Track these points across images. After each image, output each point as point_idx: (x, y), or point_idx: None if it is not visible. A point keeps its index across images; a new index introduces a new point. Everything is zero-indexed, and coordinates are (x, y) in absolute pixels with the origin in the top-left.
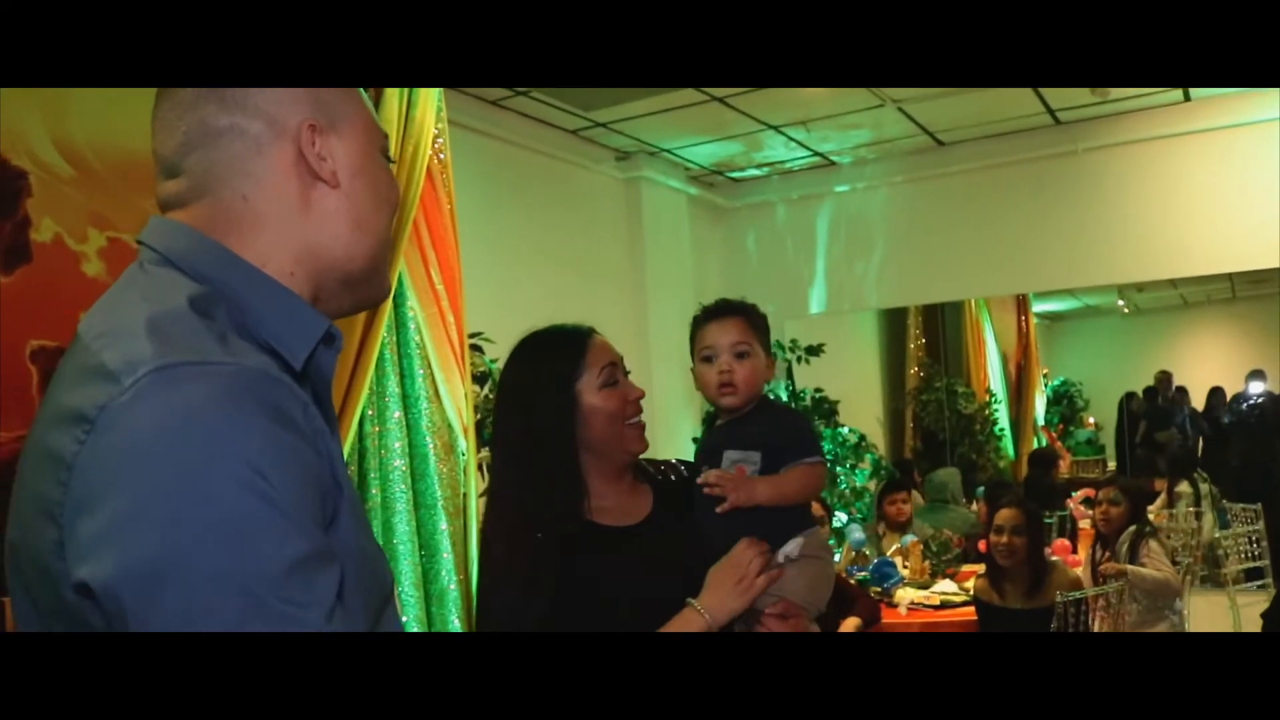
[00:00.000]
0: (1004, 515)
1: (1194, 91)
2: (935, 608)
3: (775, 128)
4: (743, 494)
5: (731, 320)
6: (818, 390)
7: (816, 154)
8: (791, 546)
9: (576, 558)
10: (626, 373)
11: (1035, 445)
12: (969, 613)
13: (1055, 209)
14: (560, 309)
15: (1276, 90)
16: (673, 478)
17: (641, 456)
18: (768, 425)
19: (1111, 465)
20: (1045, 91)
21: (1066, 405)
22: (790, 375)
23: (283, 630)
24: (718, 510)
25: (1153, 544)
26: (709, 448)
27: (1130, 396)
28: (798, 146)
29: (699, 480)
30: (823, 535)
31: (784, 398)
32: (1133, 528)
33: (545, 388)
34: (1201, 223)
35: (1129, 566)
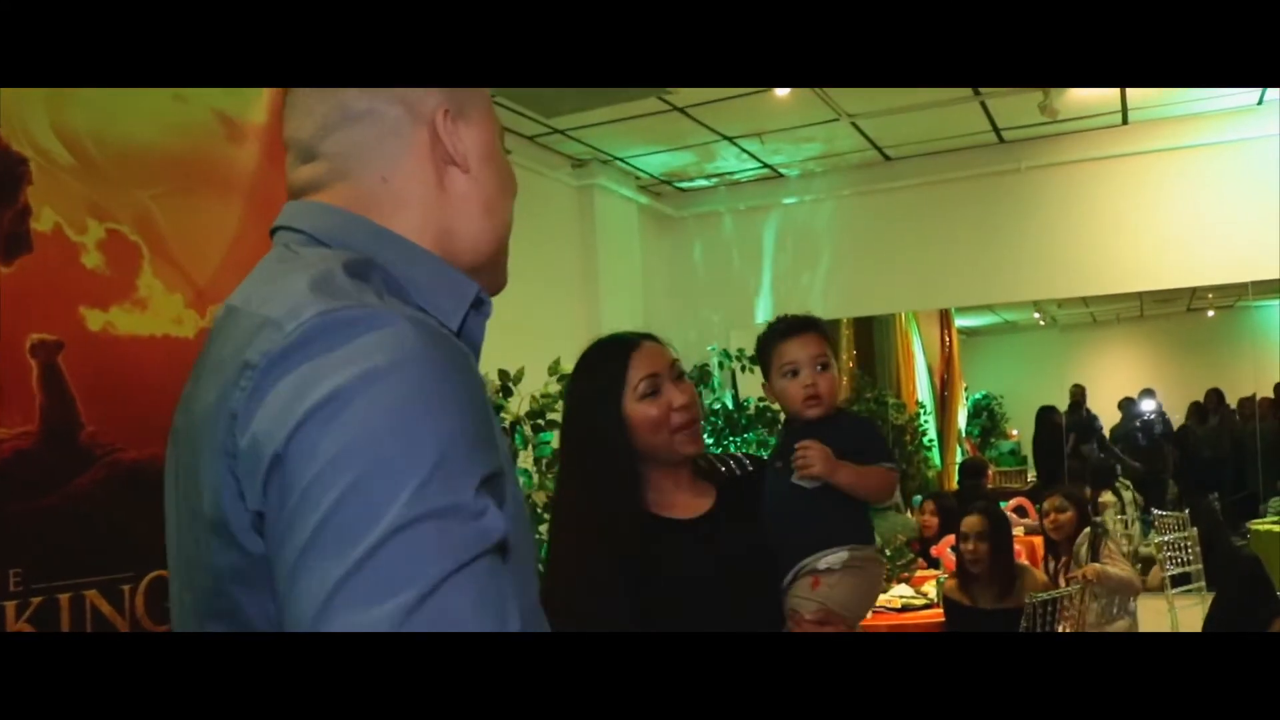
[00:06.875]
0: (969, 522)
1: (1132, 115)
2: (898, 610)
3: (730, 139)
4: (827, 467)
5: (811, 335)
6: (761, 399)
7: (766, 166)
8: (834, 558)
9: (639, 546)
10: (680, 375)
11: (959, 456)
12: (932, 615)
13: (998, 225)
14: (515, 312)
15: (1207, 116)
16: (738, 472)
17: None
18: (845, 431)
19: (1031, 476)
20: (991, 109)
21: (987, 417)
22: (734, 384)
23: (455, 559)
24: (794, 479)
25: (1110, 544)
26: (786, 450)
27: (1048, 410)
28: (749, 158)
29: (795, 446)
30: (871, 550)
31: (729, 406)
32: (1086, 530)
33: (593, 405)
34: (1120, 242)
35: (1096, 566)
